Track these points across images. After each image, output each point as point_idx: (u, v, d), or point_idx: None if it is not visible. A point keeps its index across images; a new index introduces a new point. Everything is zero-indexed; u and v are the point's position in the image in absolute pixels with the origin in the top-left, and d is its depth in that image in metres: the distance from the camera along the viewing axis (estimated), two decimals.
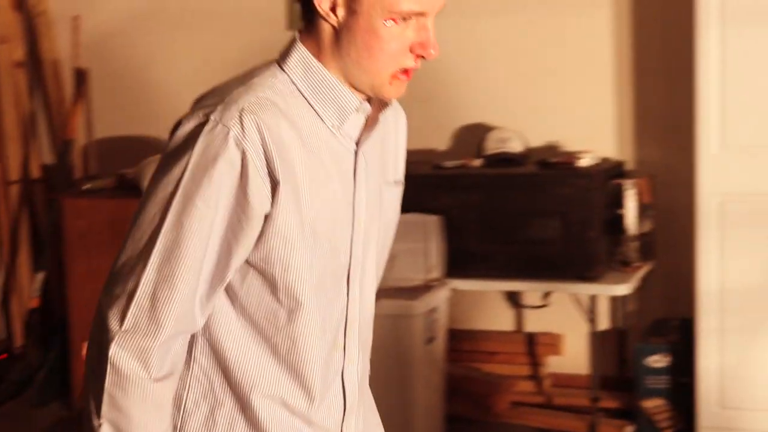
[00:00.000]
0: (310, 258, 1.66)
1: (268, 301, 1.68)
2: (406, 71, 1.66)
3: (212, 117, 1.59)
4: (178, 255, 1.59)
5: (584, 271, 3.96)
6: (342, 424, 1.81)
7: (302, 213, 1.63)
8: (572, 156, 4.13)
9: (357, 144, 1.72)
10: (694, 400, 3.98)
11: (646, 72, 4.36)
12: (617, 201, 4.07)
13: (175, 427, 1.73)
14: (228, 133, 1.57)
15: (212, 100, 1.63)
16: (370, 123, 1.74)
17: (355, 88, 1.69)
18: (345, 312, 1.76)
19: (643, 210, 4.13)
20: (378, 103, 1.75)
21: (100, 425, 1.63)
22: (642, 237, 4.14)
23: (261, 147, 1.58)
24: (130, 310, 1.61)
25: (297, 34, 1.70)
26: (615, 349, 4.53)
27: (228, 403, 1.73)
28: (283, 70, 1.67)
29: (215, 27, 4.92)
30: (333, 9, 1.63)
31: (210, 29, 4.93)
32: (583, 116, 4.44)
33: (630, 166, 4.36)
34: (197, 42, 4.96)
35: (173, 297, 1.61)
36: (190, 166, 1.58)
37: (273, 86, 1.64)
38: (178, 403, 1.73)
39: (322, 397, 1.76)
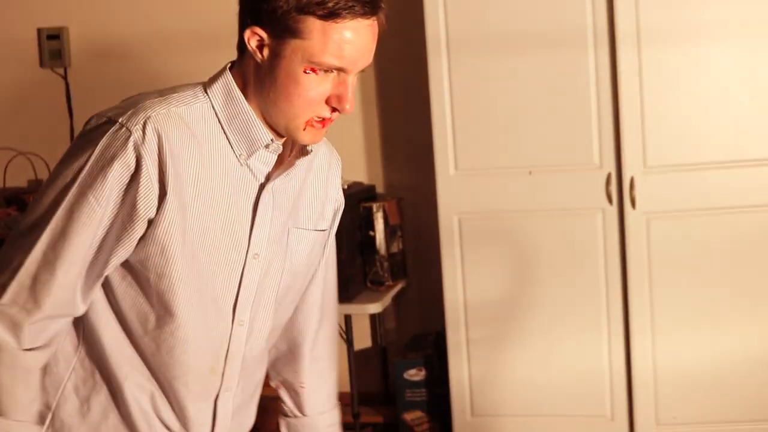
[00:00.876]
0: (186, 274, 1.71)
1: (141, 303, 1.73)
2: (322, 120, 1.71)
3: (120, 119, 1.65)
4: (64, 244, 1.65)
5: (339, 293, 4.08)
6: None
7: (186, 230, 1.69)
8: None
9: (268, 178, 1.77)
10: (449, 410, 4.18)
11: (390, 100, 4.56)
12: (368, 223, 4.24)
13: (49, 407, 1.77)
14: (129, 137, 1.63)
15: (127, 105, 1.69)
16: (285, 163, 1.78)
17: (271, 127, 1.74)
18: (228, 340, 1.81)
19: (393, 231, 4.31)
20: (299, 148, 1.80)
21: None
22: (393, 257, 4.32)
23: (157, 156, 1.64)
24: (11, 286, 1.66)
25: (229, 62, 1.76)
26: (378, 365, 4.70)
27: (104, 393, 1.77)
28: (206, 93, 1.73)
29: None
30: (260, 47, 1.68)
31: None
32: (336, 144, 4.58)
33: (380, 189, 4.55)
34: None
35: (52, 282, 1.65)
36: (89, 162, 1.63)
37: (189, 104, 1.70)
38: (57, 384, 1.77)
39: (188, 413, 1.81)
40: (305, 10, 1.63)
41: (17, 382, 1.69)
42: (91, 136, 1.67)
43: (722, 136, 3.82)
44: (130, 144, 1.63)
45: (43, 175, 4.70)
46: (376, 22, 1.70)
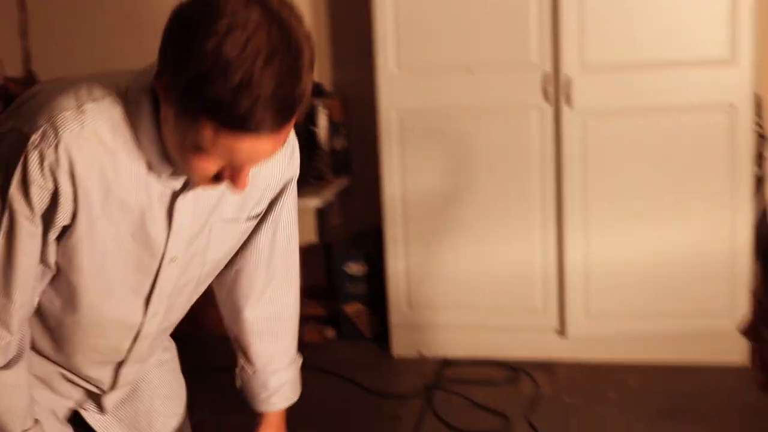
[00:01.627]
0: (93, 282, 1.72)
1: (48, 287, 1.74)
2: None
3: (33, 137, 1.59)
4: (10, 269, 1.65)
5: None
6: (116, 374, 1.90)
7: (94, 242, 1.67)
8: None
9: (186, 184, 1.68)
10: (387, 302, 4.30)
11: None
12: (312, 120, 4.31)
13: None
14: (44, 161, 1.57)
15: (39, 114, 1.61)
16: None
17: None
18: (139, 327, 1.82)
19: (336, 128, 4.38)
20: None
21: None
22: (336, 153, 4.39)
23: (69, 177, 1.59)
24: None
25: (156, 67, 1.55)
26: (323, 261, 4.80)
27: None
28: (125, 99, 1.62)
29: None
30: (165, 99, 1.53)
31: None
32: None
33: (327, 87, 4.60)
34: None
35: (11, 306, 1.67)
36: (12, 185, 1.60)
37: (106, 113, 1.62)
38: None
39: (87, 374, 1.86)
40: (206, 108, 1.45)
41: (10, 398, 1.72)
42: (8, 155, 1.61)
43: (660, 37, 3.88)
44: (46, 167, 1.59)
45: None
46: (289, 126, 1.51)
